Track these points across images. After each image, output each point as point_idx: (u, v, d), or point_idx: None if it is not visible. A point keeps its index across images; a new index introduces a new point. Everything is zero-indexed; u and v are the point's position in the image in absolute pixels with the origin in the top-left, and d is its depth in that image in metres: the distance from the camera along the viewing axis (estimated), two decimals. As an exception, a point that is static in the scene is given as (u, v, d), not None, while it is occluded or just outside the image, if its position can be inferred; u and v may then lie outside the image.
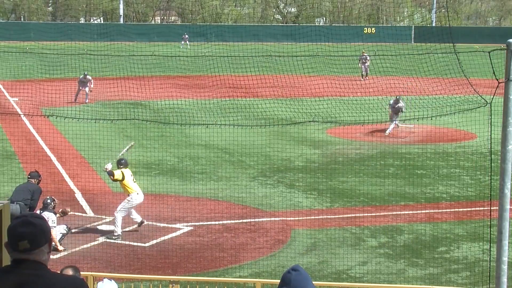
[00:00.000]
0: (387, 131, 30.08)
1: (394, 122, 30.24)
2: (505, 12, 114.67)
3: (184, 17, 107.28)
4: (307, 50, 53.93)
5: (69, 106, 35.14)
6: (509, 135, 10.05)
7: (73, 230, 16.66)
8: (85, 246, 16.05)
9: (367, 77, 50.18)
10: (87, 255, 15.58)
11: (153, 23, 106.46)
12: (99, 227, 17.38)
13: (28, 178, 16.74)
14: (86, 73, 38.96)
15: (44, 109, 33.69)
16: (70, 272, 8.40)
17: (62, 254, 15.50)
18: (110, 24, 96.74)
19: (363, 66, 52.04)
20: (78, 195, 20.01)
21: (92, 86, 39.08)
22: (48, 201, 16.11)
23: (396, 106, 30.17)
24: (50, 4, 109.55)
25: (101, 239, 16.52)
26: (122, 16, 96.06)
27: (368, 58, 52.12)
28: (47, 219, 14.94)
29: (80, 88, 39.01)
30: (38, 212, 15.73)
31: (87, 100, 38.60)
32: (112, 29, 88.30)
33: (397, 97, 30.64)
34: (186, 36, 79.36)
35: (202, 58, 55.05)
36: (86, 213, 18.51)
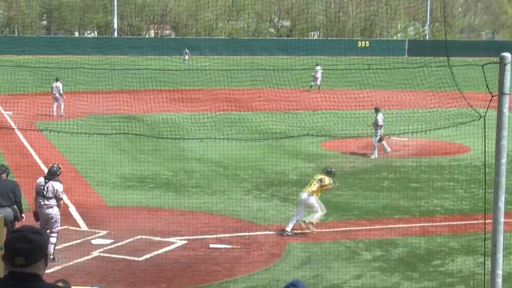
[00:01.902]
0: (384, 149, 28.66)
1: (375, 137, 28.47)
2: (498, 25, 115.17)
3: (178, 30, 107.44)
4: (302, 64, 54.11)
5: (63, 120, 35.09)
6: (503, 148, 10.06)
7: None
8: (79, 260, 15.99)
9: (319, 90, 50.36)
10: (81, 270, 15.52)
11: (147, 36, 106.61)
12: (93, 241, 17.32)
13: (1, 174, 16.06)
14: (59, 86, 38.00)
15: (38, 123, 33.65)
16: (60, 285, 8.38)
17: (55, 268, 15.44)
18: (104, 38, 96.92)
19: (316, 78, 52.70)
20: (72, 209, 19.95)
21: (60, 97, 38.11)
22: (55, 168, 15.86)
23: (375, 119, 28.67)
24: (44, 18, 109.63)
25: (95, 253, 16.46)
26: (116, 30, 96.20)
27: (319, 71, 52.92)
28: (55, 191, 15.37)
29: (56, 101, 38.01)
30: (43, 180, 15.67)
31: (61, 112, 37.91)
32: (106, 42, 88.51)
33: (376, 108, 29.20)
34: (187, 51, 78.99)
35: (196, 71, 55.17)
36: (80, 227, 18.45)
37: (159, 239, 17.49)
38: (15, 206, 15.77)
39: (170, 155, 27.48)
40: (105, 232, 17.90)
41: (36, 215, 15.98)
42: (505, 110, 10.01)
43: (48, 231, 15.45)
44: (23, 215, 16.05)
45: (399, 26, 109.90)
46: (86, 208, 19.93)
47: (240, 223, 18.93)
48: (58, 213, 15.85)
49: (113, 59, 57.20)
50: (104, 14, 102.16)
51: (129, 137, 29.33)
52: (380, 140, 28.31)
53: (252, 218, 19.32)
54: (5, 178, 16.06)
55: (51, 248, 15.48)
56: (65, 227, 18.29)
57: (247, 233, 18.10)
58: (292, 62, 53.36)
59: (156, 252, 16.61)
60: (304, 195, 18.06)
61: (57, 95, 37.82)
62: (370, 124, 28.82)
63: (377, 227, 18.91)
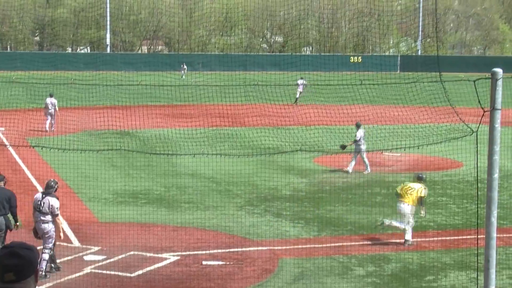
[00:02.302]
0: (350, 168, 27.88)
1: (363, 153, 28.00)
2: (489, 41, 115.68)
3: (171, 46, 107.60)
4: (294, 79, 54.17)
5: (55, 135, 35.03)
6: (495, 163, 10.08)
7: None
8: (71, 276, 15.91)
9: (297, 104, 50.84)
10: (73, 286, 15.45)
11: (140, 52, 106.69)
12: (85, 258, 17.25)
13: None
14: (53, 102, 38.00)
15: (30, 138, 33.58)
16: None
17: (47, 285, 15.37)
18: (97, 54, 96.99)
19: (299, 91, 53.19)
20: (64, 225, 19.83)
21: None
22: (52, 183, 15.98)
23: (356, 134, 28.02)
24: (37, 34, 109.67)
25: (87, 270, 16.39)
26: (109, 46, 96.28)
27: (302, 84, 53.39)
28: (51, 206, 15.39)
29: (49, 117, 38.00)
30: (40, 195, 15.80)
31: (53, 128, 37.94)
32: (98, 58, 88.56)
33: (357, 123, 28.65)
34: (185, 66, 78.82)
35: (189, 87, 55.18)
36: (72, 243, 18.38)
37: (151, 255, 17.43)
38: (7, 214, 15.92)
39: (163, 170, 27.44)
40: (97, 248, 17.83)
41: (35, 232, 15.95)
42: (497, 125, 10.03)
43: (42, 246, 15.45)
44: (18, 223, 16.24)
45: (391, 42, 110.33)
46: (78, 224, 19.87)
47: (233, 238, 18.89)
48: (53, 229, 15.81)
49: (106, 74, 57.20)
50: (96, 30, 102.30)
51: (122, 153, 29.29)
52: (343, 147, 27.95)
53: (245, 234, 19.29)
54: (3, 186, 16.25)
55: (43, 265, 15.44)
56: (57, 243, 18.22)
57: (240, 249, 18.06)
58: (285, 77, 53.48)
59: (148, 268, 16.55)
60: (405, 207, 18.38)
61: (52, 110, 37.79)
62: (350, 142, 28.42)
63: (370, 242, 18.89)
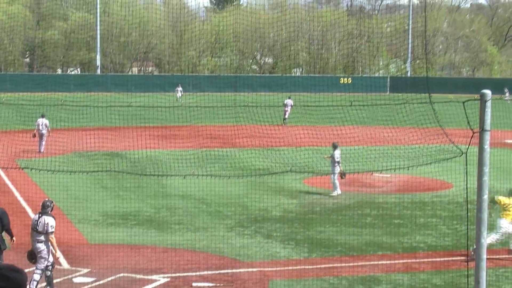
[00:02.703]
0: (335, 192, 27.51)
1: (334, 175, 27.55)
2: (478, 63, 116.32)
3: (162, 67, 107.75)
4: (284, 100, 54.26)
5: (45, 157, 34.93)
6: (485, 184, 10.12)
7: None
8: (60, 298, 15.82)
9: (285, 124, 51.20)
10: (62, 308, 15.35)
11: (130, 73, 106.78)
12: (75, 280, 17.17)
13: None
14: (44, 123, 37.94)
15: (20, 160, 33.49)
16: None
17: (36, 307, 15.27)
18: (87, 75, 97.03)
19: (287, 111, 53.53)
20: (54, 247, 19.78)
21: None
22: (48, 203, 16.12)
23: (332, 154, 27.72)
24: (27, 55, 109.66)
25: (77, 292, 16.29)
26: (99, 67, 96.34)
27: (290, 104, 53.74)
28: (46, 224, 15.54)
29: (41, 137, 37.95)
30: (37, 215, 15.96)
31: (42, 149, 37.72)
32: (89, 79, 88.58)
33: (334, 144, 28.31)
34: (180, 88, 76.98)
35: (180, 108, 55.23)
36: (61, 265, 18.29)
37: (141, 276, 17.36)
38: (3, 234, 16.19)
39: (153, 192, 27.39)
40: (86, 270, 17.75)
41: (30, 255, 15.93)
42: (486, 146, 10.08)
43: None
44: (14, 238, 16.54)
45: (381, 63, 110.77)
46: (67, 246, 19.78)
47: (223, 260, 18.84)
48: (46, 249, 15.84)
49: (96, 96, 57.22)
50: (87, 52, 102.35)
51: (112, 174, 29.22)
52: (342, 176, 27.62)
53: (235, 255, 19.24)
54: None
55: (33, 285, 15.37)
56: (46, 264, 18.13)
57: (230, 270, 18.01)
58: (275, 98, 53.60)
59: (138, 290, 16.46)
60: (505, 223, 18.85)
61: (44, 131, 37.61)
62: (327, 156, 28.35)
63: (360, 263, 18.87)
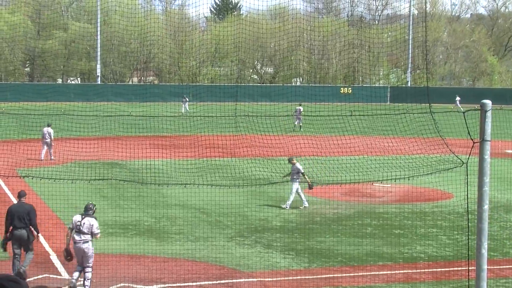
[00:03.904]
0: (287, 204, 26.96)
1: (292, 189, 26.98)
2: (478, 73, 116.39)
3: (162, 77, 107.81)
4: (285, 110, 54.33)
5: (45, 166, 34.92)
6: (485, 194, 10.10)
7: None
8: (59, 308, 15.78)
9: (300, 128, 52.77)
10: (62, 318, 15.31)
11: (131, 83, 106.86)
12: (74, 289, 17.13)
13: (19, 198, 18.44)
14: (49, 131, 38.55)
15: (20, 169, 33.47)
16: None
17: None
18: (88, 85, 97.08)
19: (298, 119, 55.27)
20: (53, 257, 19.77)
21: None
22: (90, 206, 17.19)
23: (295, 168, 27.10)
24: (27, 65, 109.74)
25: (76, 302, 16.25)
26: (99, 77, 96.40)
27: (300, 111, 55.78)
28: (91, 226, 16.50)
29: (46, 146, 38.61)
30: (80, 217, 16.97)
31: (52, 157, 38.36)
32: (89, 89, 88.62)
33: (289, 158, 27.98)
34: (187, 98, 75.62)
35: (180, 118, 55.27)
36: (61, 275, 18.25)
37: (141, 286, 17.33)
38: (27, 226, 17.76)
39: (153, 201, 27.36)
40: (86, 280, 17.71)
41: (67, 252, 17.05)
42: (487, 156, 10.08)
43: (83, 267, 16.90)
44: (39, 234, 18.18)
45: (381, 73, 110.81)
46: (67, 255, 19.73)
47: (223, 270, 18.81)
48: (92, 248, 16.91)
49: (96, 105, 57.23)
50: (87, 61, 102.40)
51: (112, 184, 29.20)
52: (310, 187, 27.16)
53: (235, 265, 19.21)
54: (23, 201, 18.23)
55: (87, 283, 16.70)
56: (45, 275, 18.11)
57: (230, 280, 17.98)
58: (275, 108, 53.56)
59: (138, 300, 16.43)
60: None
61: (49, 140, 38.38)
62: (287, 175, 27.42)
63: (360, 274, 18.83)
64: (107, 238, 21.57)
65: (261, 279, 18.10)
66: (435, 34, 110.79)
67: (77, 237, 16.79)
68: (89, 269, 16.81)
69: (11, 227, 17.81)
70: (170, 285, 17.45)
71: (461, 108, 72.05)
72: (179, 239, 21.96)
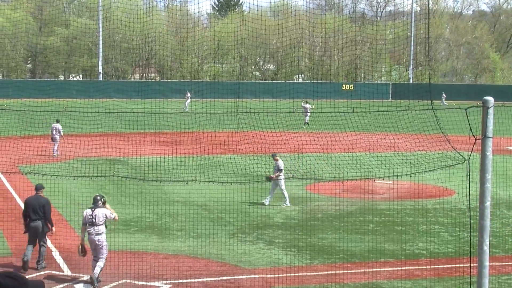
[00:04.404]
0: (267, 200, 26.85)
1: (281, 186, 26.75)
2: (480, 70, 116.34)
3: (163, 74, 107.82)
4: (286, 107, 54.33)
5: (47, 163, 34.94)
6: (487, 191, 10.10)
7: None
8: (61, 305, 15.79)
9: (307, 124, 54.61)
10: (64, 315, 15.32)
11: (132, 79, 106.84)
12: (76, 286, 17.15)
13: (36, 191, 19.07)
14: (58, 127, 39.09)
15: (22, 166, 33.49)
16: None
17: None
18: (89, 81, 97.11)
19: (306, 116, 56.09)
20: (55, 253, 19.78)
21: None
22: (98, 197, 17.48)
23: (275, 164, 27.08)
24: (29, 62, 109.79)
25: (78, 298, 16.26)
26: (101, 73, 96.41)
27: (308, 108, 56.82)
28: (103, 215, 16.89)
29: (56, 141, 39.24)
30: (90, 210, 17.31)
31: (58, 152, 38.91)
32: (91, 86, 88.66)
33: (273, 154, 27.93)
34: (189, 94, 75.27)
35: (181, 114, 55.25)
36: (63, 272, 18.27)
37: (143, 283, 17.33)
38: (42, 219, 18.42)
39: (155, 198, 27.37)
40: (88, 276, 17.72)
41: (82, 248, 17.56)
42: (489, 153, 10.06)
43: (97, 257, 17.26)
44: (53, 228, 18.69)
45: (383, 70, 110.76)
46: (69, 252, 19.76)
47: (224, 266, 18.81)
48: (105, 239, 17.31)
49: (98, 102, 57.25)
50: (89, 58, 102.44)
51: (114, 180, 29.21)
52: (268, 179, 26.77)
53: (237, 262, 19.21)
54: (40, 194, 18.86)
55: (97, 271, 16.97)
56: (47, 271, 18.13)
57: (232, 277, 17.98)
58: (277, 105, 53.56)
59: (139, 297, 16.43)
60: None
61: (57, 136, 39.23)
62: (278, 174, 26.90)
63: (362, 270, 18.83)
64: (109, 235, 21.53)
65: (263, 276, 18.10)
66: (437, 30, 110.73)
67: (90, 229, 17.14)
68: (103, 259, 17.17)
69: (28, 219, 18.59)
70: (172, 281, 17.46)
71: (446, 104, 72.01)
72: (181, 236, 21.96)
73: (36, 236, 18.46)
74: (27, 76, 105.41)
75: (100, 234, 17.16)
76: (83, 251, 17.56)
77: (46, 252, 18.79)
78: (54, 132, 39.27)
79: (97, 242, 17.10)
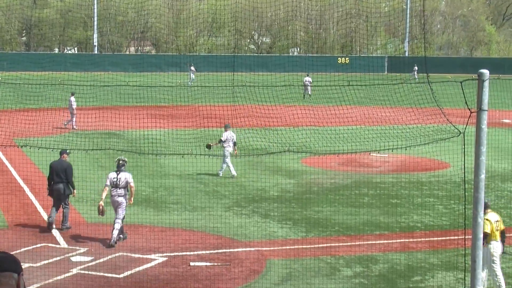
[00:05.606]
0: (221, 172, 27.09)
1: (225, 159, 26.96)
2: (476, 42, 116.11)
3: (159, 47, 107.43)
4: (282, 80, 54.27)
5: (43, 136, 34.91)
6: (482, 164, 10.14)
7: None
8: (58, 278, 15.87)
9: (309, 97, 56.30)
10: (60, 287, 15.40)
11: (128, 53, 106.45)
12: (73, 259, 17.22)
13: (60, 155, 20.21)
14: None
15: (17, 139, 33.47)
16: None
17: (34, 286, 15.32)
18: (84, 54, 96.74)
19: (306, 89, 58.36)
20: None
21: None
22: (122, 162, 18.50)
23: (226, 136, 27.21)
24: (24, 35, 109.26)
25: (75, 271, 16.35)
26: (96, 46, 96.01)
27: (310, 82, 57.40)
28: (125, 179, 18.35)
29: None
30: (115, 173, 18.38)
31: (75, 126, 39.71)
32: (86, 59, 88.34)
33: (226, 125, 27.96)
34: (193, 68, 73.64)
35: (176, 88, 55.14)
36: (59, 244, 18.34)
37: (139, 256, 17.41)
38: (65, 182, 19.49)
39: (150, 171, 27.41)
40: (84, 249, 17.81)
41: (101, 208, 18.28)
42: (484, 126, 10.09)
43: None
44: (75, 191, 19.83)
45: (378, 43, 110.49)
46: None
47: (220, 239, 18.90)
48: (125, 202, 18.29)
49: (93, 75, 57.13)
50: (84, 31, 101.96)
51: (109, 154, 29.22)
52: (208, 147, 26.82)
53: (232, 235, 19.29)
54: (64, 159, 19.95)
55: (115, 234, 17.92)
56: (44, 244, 18.19)
57: (227, 250, 18.07)
58: (273, 78, 53.51)
59: (136, 269, 16.53)
60: (499, 246, 14.88)
61: (70, 109, 40.10)
62: (216, 143, 27.34)
63: (357, 243, 18.93)
64: (105, 208, 21.61)
65: (259, 249, 18.20)
66: (433, 3, 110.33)
67: (113, 191, 18.20)
68: (119, 221, 18.05)
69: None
70: (167, 254, 17.54)
71: (416, 79, 71.69)
72: (177, 209, 22.03)
73: (59, 198, 19.43)
74: (22, 49, 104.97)
75: (122, 196, 18.17)
76: (101, 212, 18.32)
77: (69, 213, 19.73)
78: (69, 105, 40.13)
79: (119, 202, 18.15)
